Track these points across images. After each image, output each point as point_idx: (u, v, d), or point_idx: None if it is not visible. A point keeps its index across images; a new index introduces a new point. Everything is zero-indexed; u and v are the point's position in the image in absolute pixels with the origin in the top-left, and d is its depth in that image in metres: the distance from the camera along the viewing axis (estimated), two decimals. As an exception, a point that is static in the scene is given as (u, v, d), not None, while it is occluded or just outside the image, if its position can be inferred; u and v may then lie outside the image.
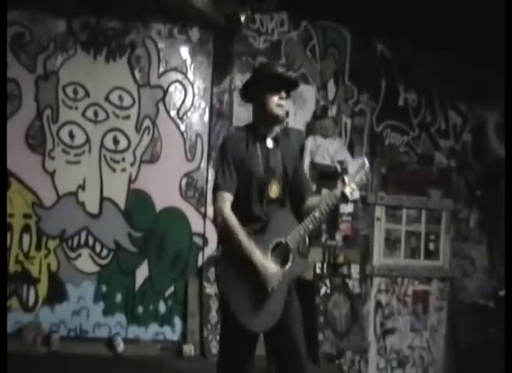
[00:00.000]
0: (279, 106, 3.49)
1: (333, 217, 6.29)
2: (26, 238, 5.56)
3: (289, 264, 3.40)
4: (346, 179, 3.53)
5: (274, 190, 3.50)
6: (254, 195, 3.45)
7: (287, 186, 3.58)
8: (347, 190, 3.48)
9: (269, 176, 3.49)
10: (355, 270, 6.38)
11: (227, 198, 3.39)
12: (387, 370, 6.57)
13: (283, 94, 3.49)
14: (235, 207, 3.40)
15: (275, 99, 3.47)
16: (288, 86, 3.57)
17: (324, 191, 5.90)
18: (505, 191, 4.52)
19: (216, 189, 3.43)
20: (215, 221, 3.50)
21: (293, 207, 3.65)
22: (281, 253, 3.39)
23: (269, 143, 3.58)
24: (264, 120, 3.56)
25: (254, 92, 3.61)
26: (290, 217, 3.53)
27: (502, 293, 6.59)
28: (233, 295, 3.32)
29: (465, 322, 6.92)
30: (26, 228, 5.57)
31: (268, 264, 3.30)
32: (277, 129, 3.63)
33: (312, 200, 3.65)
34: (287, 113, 6.26)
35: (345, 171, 6.22)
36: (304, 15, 6.45)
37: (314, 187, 6.09)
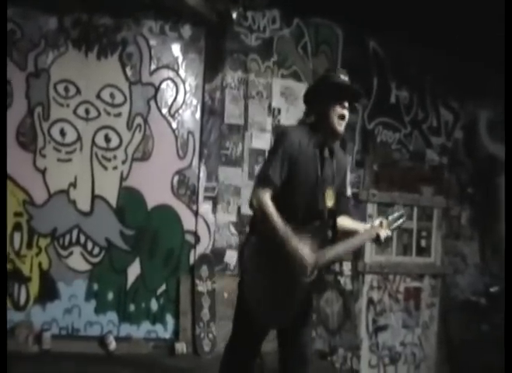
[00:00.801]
0: (341, 118, 3.42)
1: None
2: (17, 236, 5.55)
3: (311, 278, 3.35)
4: (385, 223, 3.62)
5: (329, 198, 3.46)
6: (303, 201, 3.42)
7: (336, 199, 3.54)
8: (382, 234, 3.58)
9: (325, 184, 3.45)
10: (347, 267, 6.41)
11: (269, 186, 3.35)
12: (380, 367, 6.59)
13: (346, 104, 3.42)
14: (279, 204, 3.35)
15: (338, 109, 3.40)
16: (351, 97, 3.51)
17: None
18: (505, 191, 4.50)
19: (260, 177, 3.43)
20: (251, 206, 3.45)
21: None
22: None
23: (327, 153, 3.51)
24: (325, 131, 3.48)
25: (316, 102, 3.55)
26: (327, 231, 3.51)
27: (493, 289, 6.63)
28: (254, 286, 3.33)
29: (457, 319, 6.93)
30: (17, 227, 5.55)
31: (306, 251, 3.26)
32: (337, 141, 3.61)
33: (344, 220, 3.65)
34: (279, 110, 6.31)
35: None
36: (296, 13, 6.43)
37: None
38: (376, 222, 3.64)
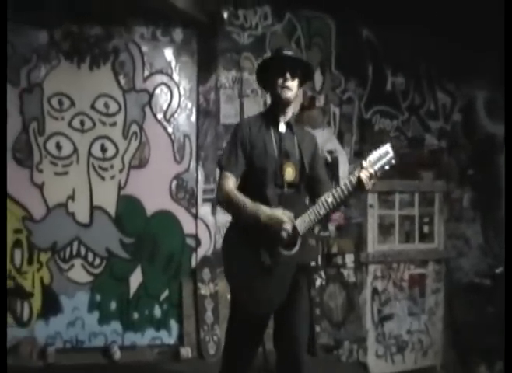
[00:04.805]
0: (285, 87, 3.48)
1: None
2: (17, 253, 5.62)
3: (296, 248, 3.36)
4: (364, 163, 3.39)
5: (289, 173, 3.47)
6: (268, 178, 3.45)
7: (303, 173, 3.54)
8: (363, 175, 3.33)
9: (283, 159, 3.48)
10: (349, 259, 6.46)
11: (229, 177, 3.44)
12: (387, 356, 6.64)
13: (288, 75, 3.46)
14: (248, 190, 3.44)
15: (280, 81, 3.47)
16: (295, 68, 3.53)
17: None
18: (505, 189, 4.52)
19: (220, 169, 3.52)
20: (217, 200, 3.55)
21: (310, 198, 3.65)
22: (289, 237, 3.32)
23: (282, 127, 3.57)
24: (274, 104, 3.60)
25: (263, 78, 3.69)
26: (304, 203, 3.54)
27: (499, 270, 6.66)
28: (236, 273, 3.39)
29: (462, 302, 6.98)
30: (17, 243, 5.62)
31: (276, 210, 3.30)
32: (289, 113, 3.62)
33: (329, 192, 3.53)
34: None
35: (335, 160, 6.30)
36: (287, 7, 6.41)
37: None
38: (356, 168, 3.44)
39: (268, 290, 3.35)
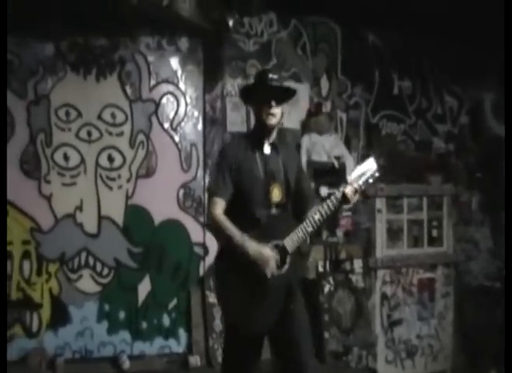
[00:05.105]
0: (270, 114, 3.53)
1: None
2: (26, 264, 5.65)
3: (286, 267, 3.42)
4: (349, 179, 3.55)
5: (276, 194, 3.54)
6: (256, 199, 3.50)
7: (289, 192, 3.61)
8: (348, 190, 3.46)
9: (270, 180, 3.55)
10: (357, 264, 6.46)
11: (218, 202, 3.47)
12: (396, 362, 6.62)
13: (273, 103, 3.51)
14: (236, 213, 3.47)
15: (265, 108, 3.52)
16: (280, 95, 3.60)
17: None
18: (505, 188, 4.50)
19: (208, 194, 3.61)
20: (207, 225, 3.61)
21: (296, 214, 3.68)
22: (278, 256, 3.41)
23: (267, 149, 3.64)
24: (258, 128, 3.66)
25: (250, 101, 3.78)
26: (292, 221, 3.56)
27: (508, 273, 6.63)
28: (229, 298, 3.43)
29: (472, 306, 6.96)
30: (25, 255, 5.65)
31: (263, 248, 3.36)
32: (273, 135, 3.67)
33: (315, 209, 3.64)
34: (282, 114, 6.31)
35: (342, 166, 6.31)
36: (293, 14, 6.42)
37: (313, 185, 6.14)
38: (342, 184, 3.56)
39: (261, 310, 3.39)
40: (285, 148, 3.83)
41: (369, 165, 3.63)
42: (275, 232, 3.45)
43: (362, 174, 3.57)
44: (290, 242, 3.41)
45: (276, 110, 3.54)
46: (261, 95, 3.56)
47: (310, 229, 3.43)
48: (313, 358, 3.70)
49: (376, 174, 3.62)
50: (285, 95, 3.66)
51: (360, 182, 3.55)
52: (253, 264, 3.34)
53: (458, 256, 7.11)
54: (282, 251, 3.41)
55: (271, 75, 3.65)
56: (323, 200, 5.45)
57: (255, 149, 3.59)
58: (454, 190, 7.13)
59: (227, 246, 3.47)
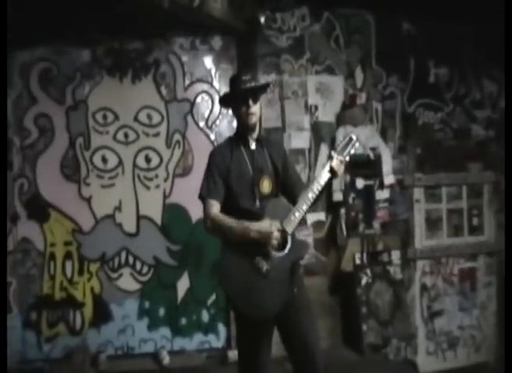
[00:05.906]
0: (249, 114, 3.67)
1: (368, 205, 6.36)
2: (68, 265, 5.89)
3: (288, 247, 3.55)
4: (333, 153, 3.66)
5: (265, 186, 3.71)
6: (248, 194, 3.66)
7: (278, 182, 3.79)
8: (334, 164, 3.59)
9: (258, 174, 3.70)
10: (395, 256, 6.44)
11: (213, 204, 3.64)
12: (438, 353, 6.57)
13: (250, 103, 3.64)
14: (231, 210, 3.62)
15: (243, 109, 3.66)
16: (256, 92, 3.73)
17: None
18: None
19: (202, 199, 3.70)
20: (205, 228, 3.70)
21: (288, 198, 3.84)
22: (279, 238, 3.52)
23: (253, 145, 3.79)
24: (241, 128, 3.79)
25: (229, 105, 3.90)
26: (285, 204, 3.71)
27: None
28: (234, 285, 3.50)
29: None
30: (67, 255, 5.88)
31: (262, 223, 3.49)
32: (257, 131, 3.83)
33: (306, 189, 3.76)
34: (316, 107, 6.33)
35: (378, 157, 6.30)
36: (325, 7, 6.41)
37: (348, 178, 6.17)
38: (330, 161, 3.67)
39: (268, 293, 3.48)
40: (269, 141, 3.96)
41: (349, 139, 3.74)
42: (270, 216, 3.54)
43: (344, 147, 3.69)
44: (289, 224, 3.52)
45: (255, 109, 3.69)
46: (238, 98, 3.68)
47: (305, 207, 3.54)
48: (319, 343, 3.75)
49: (357, 144, 3.73)
50: (260, 92, 3.80)
51: (344, 153, 3.66)
52: (256, 246, 3.45)
53: (500, 244, 7.00)
54: (281, 233, 3.51)
55: (244, 77, 3.75)
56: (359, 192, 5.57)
57: (241, 147, 3.75)
58: (494, 177, 7.00)
59: (229, 240, 3.57)
